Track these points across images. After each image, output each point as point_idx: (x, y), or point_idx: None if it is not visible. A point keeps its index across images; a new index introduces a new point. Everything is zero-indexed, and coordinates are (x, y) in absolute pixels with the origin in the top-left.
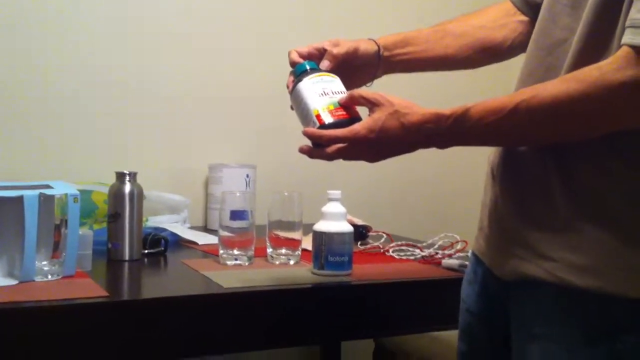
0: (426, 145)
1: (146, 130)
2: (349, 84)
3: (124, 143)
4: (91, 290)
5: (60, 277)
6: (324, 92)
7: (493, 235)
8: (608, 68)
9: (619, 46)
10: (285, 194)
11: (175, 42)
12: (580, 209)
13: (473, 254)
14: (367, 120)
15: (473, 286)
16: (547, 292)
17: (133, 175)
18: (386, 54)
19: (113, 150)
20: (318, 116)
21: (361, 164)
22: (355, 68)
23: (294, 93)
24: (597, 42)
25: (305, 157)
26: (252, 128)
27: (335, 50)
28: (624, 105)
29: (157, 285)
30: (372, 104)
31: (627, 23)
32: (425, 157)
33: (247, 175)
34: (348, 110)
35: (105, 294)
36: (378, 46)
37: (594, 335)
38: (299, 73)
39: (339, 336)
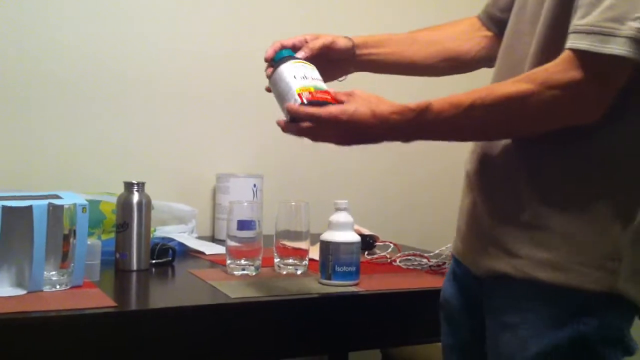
0: (391, 137)
1: (154, 141)
2: (323, 75)
3: (132, 153)
4: (99, 300)
5: (68, 287)
6: (304, 76)
7: (469, 235)
8: (553, 70)
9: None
10: (293, 203)
11: (185, 52)
12: (544, 207)
13: (452, 255)
14: (341, 104)
15: (452, 284)
16: (516, 286)
17: (141, 185)
18: (358, 52)
19: (121, 161)
20: (300, 95)
21: (367, 175)
22: (330, 61)
23: (276, 75)
24: (549, 55)
25: (311, 167)
26: (259, 138)
27: (312, 43)
28: (567, 103)
29: (165, 296)
30: (348, 96)
31: (570, 29)
32: (434, 168)
33: (255, 185)
34: (326, 95)
35: (113, 304)
36: (353, 43)
37: (559, 319)
38: (279, 58)
39: (346, 346)
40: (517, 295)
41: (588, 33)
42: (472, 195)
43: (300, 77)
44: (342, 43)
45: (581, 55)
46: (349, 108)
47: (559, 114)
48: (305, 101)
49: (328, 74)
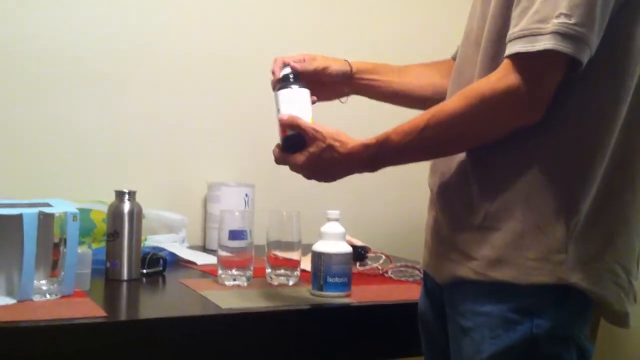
0: (359, 169)
1: (145, 149)
2: (319, 95)
3: (123, 161)
4: (89, 310)
5: (58, 296)
6: (294, 102)
7: (432, 246)
8: (493, 79)
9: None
10: (284, 213)
11: (174, 59)
12: (493, 209)
13: (423, 269)
14: (305, 153)
15: (424, 296)
16: (473, 289)
17: (132, 194)
18: (357, 76)
19: (112, 169)
20: (281, 128)
21: (359, 186)
22: (325, 83)
23: (275, 97)
24: (492, 71)
25: (302, 177)
26: (251, 147)
27: (307, 64)
28: (509, 108)
29: (156, 305)
30: (309, 137)
31: (507, 39)
32: (425, 180)
33: (246, 195)
34: (299, 129)
35: (103, 313)
36: (350, 68)
37: (511, 321)
38: (282, 78)
39: (338, 358)
40: (472, 300)
41: (520, 37)
42: (434, 209)
43: (290, 104)
44: (337, 67)
45: (516, 59)
46: (312, 158)
47: (504, 119)
48: (280, 137)
49: (323, 94)
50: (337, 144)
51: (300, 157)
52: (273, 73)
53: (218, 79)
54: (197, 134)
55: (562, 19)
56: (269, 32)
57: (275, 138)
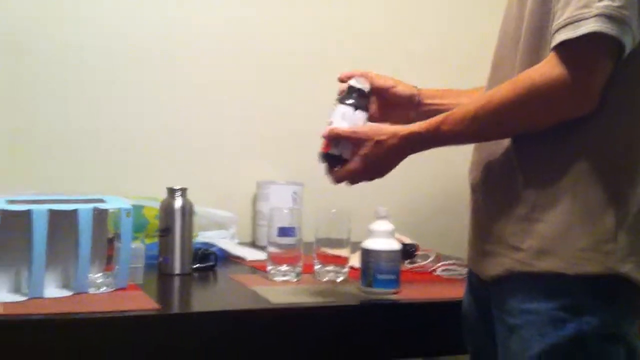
0: (411, 152)
1: (196, 148)
2: (382, 114)
3: (174, 160)
4: (143, 302)
5: (112, 289)
6: (343, 117)
7: (477, 242)
8: (543, 68)
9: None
10: (333, 211)
11: (228, 59)
12: (540, 200)
13: (468, 267)
14: (357, 159)
15: (468, 295)
16: (520, 285)
17: (184, 191)
18: (425, 101)
19: (164, 167)
20: (325, 142)
21: (408, 183)
22: (390, 103)
23: (335, 106)
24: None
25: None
26: (299, 146)
27: (373, 81)
28: (561, 97)
29: (207, 299)
30: (356, 140)
31: (552, 32)
32: None
33: (294, 192)
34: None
35: (156, 306)
36: (418, 92)
37: (560, 319)
38: (347, 91)
39: (387, 355)
40: (520, 297)
41: (564, 26)
42: (476, 203)
43: (344, 122)
44: (403, 89)
45: (562, 49)
46: (365, 159)
47: (554, 108)
48: (321, 150)
49: (386, 114)
50: (383, 137)
51: (354, 164)
52: (341, 80)
53: (269, 80)
54: (246, 134)
55: (606, 2)
56: (325, 34)
57: None
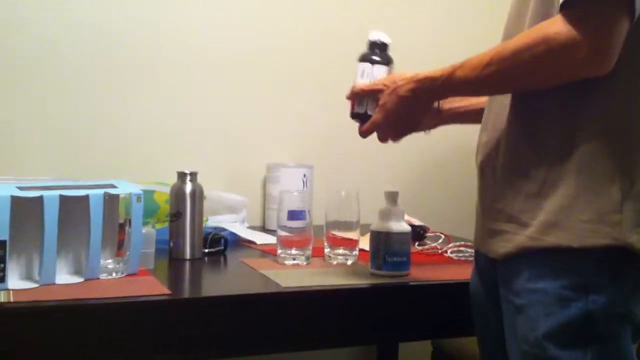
0: (429, 102)
1: (206, 131)
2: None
3: (184, 144)
4: (154, 288)
5: (124, 275)
6: (362, 74)
7: (484, 221)
8: (556, 28)
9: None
10: (343, 193)
11: (237, 44)
12: (549, 175)
13: (475, 248)
14: (379, 109)
15: (476, 276)
16: (527, 264)
17: (194, 175)
18: (446, 107)
19: (174, 152)
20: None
21: (417, 165)
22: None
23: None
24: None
25: (362, 157)
26: (309, 128)
27: None
28: (572, 58)
29: (218, 284)
30: (374, 92)
31: None
32: None
33: (305, 175)
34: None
35: (167, 291)
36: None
37: (567, 298)
38: (369, 47)
39: (397, 337)
40: (526, 277)
41: None
42: (485, 184)
43: (366, 79)
44: None
45: (570, 7)
46: (384, 108)
47: (567, 65)
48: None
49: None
50: (401, 82)
51: (375, 116)
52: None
53: (277, 62)
54: (256, 117)
55: None
56: (331, 17)
57: (335, 120)
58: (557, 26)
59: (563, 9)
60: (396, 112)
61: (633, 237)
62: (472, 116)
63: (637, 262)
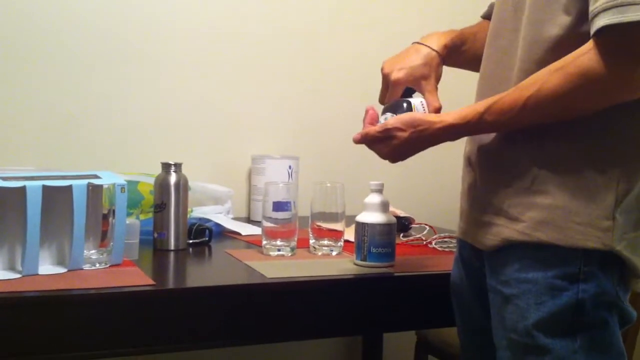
0: (444, 141)
1: (190, 122)
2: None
3: (169, 135)
4: (138, 278)
5: (108, 265)
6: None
7: (471, 213)
8: (590, 58)
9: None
10: (328, 185)
11: (221, 33)
12: (542, 172)
13: (457, 239)
14: (389, 146)
15: (459, 267)
16: (517, 255)
17: (178, 166)
18: (449, 60)
19: (159, 142)
20: None
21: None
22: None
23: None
24: (539, 36)
25: (347, 149)
26: (295, 120)
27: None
28: (611, 90)
29: (202, 275)
30: (386, 137)
31: (592, 12)
32: None
33: (290, 167)
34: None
35: (151, 282)
36: (437, 55)
37: (557, 287)
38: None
39: (381, 328)
40: (516, 267)
41: (605, 10)
42: (472, 175)
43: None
44: (428, 70)
45: (606, 36)
46: (396, 144)
47: (607, 98)
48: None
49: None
50: (421, 127)
51: (384, 149)
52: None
53: (262, 53)
54: (241, 108)
55: None
56: (315, 14)
57: (321, 111)
58: (594, 59)
59: (596, 36)
60: (406, 154)
61: (621, 244)
62: (470, 64)
63: (622, 263)
